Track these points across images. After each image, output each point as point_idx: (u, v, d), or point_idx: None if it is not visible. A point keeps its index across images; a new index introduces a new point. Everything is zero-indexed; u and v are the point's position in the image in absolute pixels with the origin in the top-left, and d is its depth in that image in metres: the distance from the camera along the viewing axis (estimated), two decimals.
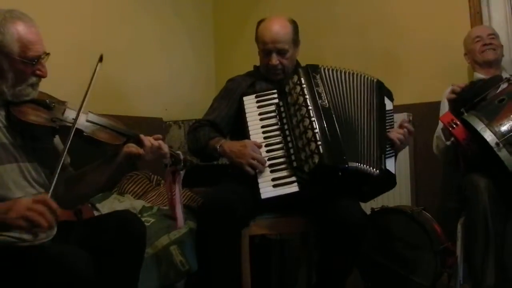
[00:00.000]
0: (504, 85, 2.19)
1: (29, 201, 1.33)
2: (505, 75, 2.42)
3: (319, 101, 2.05)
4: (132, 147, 1.69)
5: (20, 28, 1.54)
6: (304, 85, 2.08)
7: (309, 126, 1.99)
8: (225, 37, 3.88)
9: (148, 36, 3.38)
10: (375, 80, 2.22)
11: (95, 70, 1.66)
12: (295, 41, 2.32)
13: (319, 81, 2.11)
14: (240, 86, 2.32)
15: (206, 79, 3.80)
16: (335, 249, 2.02)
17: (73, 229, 1.72)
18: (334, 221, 1.97)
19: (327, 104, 2.05)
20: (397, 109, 2.39)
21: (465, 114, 2.10)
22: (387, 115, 2.17)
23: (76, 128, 1.60)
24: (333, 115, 2.04)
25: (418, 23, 3.05)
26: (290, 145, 2.05)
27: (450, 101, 2.29)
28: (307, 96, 2.05)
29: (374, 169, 2.00)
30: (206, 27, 3.90)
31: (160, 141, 1.73)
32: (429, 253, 2.28)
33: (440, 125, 2.44)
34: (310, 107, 2.02)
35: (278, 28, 2.27)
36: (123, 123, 1.80)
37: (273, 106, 2.16)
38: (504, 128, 1.96)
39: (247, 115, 2.17)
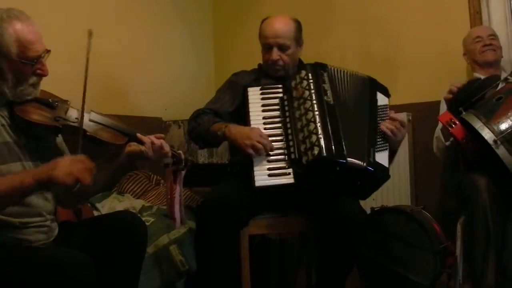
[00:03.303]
0: (502, 84, 2.19)
1: (71, 160, 1.45)
2: (504, 75, 2.42)
3: (325, 97, 2.06)
4: (133, 146, 1.70)
5: (18, 28, 1.51)
6: (311, 80, 2.10)
7: (312, 119, 2.00)
8: (225, 37, 3.88)
9: (147, 35, 3.38)
10: (366, 78, 2.23)
11: (88, 50, 1.58)
12: (298, 40, 2.32)
13: (326, 79, 2.13)
14: (244, 79, 2.33)
15: (206, 79, 3.80)
16: (335, 248, 2.03)
17: (74, 230, 1.72)
18: (334, 219, 1.97)
19: (332, 102, 2.07)
20: (397, 108, 2.39)
21: (464, 113, 2.10)
22: (379, 109, 2.16)
23: (79, 128, 1.59)
24: (337, 113, 2.05)
25: (418, 22, 3.04)
26: (290, 137, 2.06)
27: (448, 101, 2.29)
28: (313, 91, 2.07)
29: (362, 162, 1.98)
30: (205, 27, 3.90)
31: (162, 140, 1.73)
32: (428, 252, 2.27)
33: (440, 125, 2.44)
34: (315, 101, 2.04)
35: (280, 24, 2.29)
36: (124, 122, 1.80)
37: (277, 99, 2.17)
38: (502, 125, 1.96)
39: (250, 105, 2.17)
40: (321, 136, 1.95)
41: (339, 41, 3.33)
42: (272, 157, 2.04)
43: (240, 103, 2.25)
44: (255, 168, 2.01)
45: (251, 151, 2.00)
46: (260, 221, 2.13)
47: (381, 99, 2.21)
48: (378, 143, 2.08)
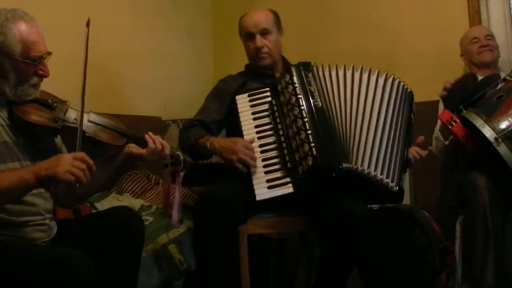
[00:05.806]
0: (502, 84, 2.19)
1: (71, 158, 1.42)
2: (502, 75, 2.42)
3: (312, 101, 2.02)
4: (133, 148, 1.70)
5: (22, 28, 1.54)
6: (296, 84, 2.05)
7: (302, 127, 1.96)
8: (224, 36, 3.86)
9: (147, 34, 3.37)
10: (408, 89, 2.22)
11: (87, 39, 1.63)
12: (278, 27, 2.36)
13: (312, 80, 2.09)
14: (231, 87, 2.31)
15: (205, 78, 3.79)
16: (336, 248, 2.02)
17: (73, 227, 1.72)
18: (335, 219, 1.96)
19: (320, 104, 2.02)
20: None
21: (464, 111, 2.10)
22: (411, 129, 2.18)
23: (77, 128, 1.59)
24: (327, 115, 2.01)
25: (416, 22, 3.04)
26: (284, 145, 2.03)
27: (443, 98, 2.29)
28: (300, 96, 2.02)
29: (394, 185, 2.00)
30: (205, 26, 3.90)
31: (163, 142, 1.73)
32: (427, 252, 2.28)
33: (438, 125, 2.44)
34: (302, 107, 2.00)
35: (258, 14, 2.36)
36: (123, 122, 1.80)
37: (267, 104, 2.14)
38: (502, 123, 1.97)
39: (240, 114, 2.15)
40: (313, 144, 1.91)
41: (336, 40, 3.32)
42: (269, 168, 2.02)
43: (228, 111, 2.25)
44: (254, 182, 2.00)
45: (239, 165, 2.01)
46: (259, 221, 2.13)
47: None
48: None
